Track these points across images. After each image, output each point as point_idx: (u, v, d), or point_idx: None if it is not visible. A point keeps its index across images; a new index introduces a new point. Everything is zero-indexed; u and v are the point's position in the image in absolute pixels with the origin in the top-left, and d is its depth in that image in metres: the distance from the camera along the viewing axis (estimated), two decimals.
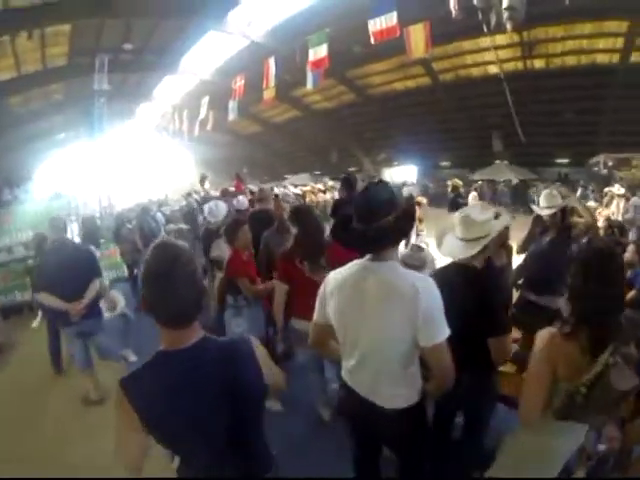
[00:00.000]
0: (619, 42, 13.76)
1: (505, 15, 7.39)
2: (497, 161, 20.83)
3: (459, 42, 15.03)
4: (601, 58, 14.83)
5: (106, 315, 3.48)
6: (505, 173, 20.14)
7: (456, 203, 6.67)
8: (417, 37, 8.37)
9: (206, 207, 4.28)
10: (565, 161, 20.17)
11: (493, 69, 17.13)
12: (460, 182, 7.66)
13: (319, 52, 8.62)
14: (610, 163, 16.11)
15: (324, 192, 11.35)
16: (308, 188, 12.53)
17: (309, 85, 10.92)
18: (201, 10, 10.79)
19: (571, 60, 15.34)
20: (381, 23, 7.65)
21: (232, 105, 14.09)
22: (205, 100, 14.31)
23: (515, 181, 19.68)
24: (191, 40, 13.46)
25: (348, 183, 4.09)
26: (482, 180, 20.61)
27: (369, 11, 7.85)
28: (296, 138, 26.13)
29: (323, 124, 23.50)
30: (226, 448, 1.07)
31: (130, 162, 22.69)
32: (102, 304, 3.48)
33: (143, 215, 5.68)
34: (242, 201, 5.11)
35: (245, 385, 1.06)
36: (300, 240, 2.58)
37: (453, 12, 7.82)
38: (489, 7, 7.79)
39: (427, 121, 20.57)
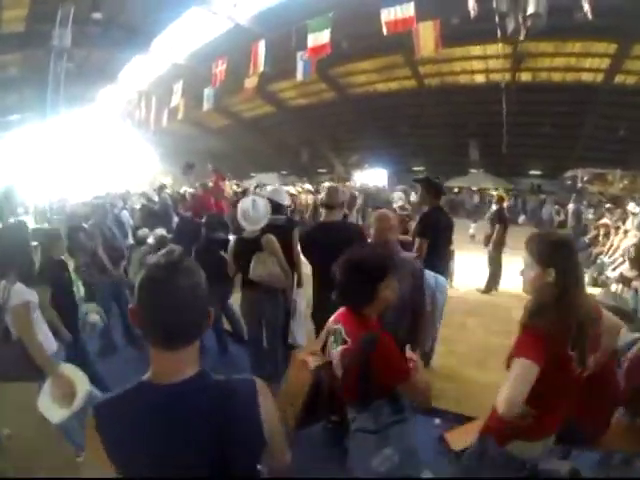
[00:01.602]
0: (605, 63, 14.14)
1: (528, 21, 7.21)
2: (472, 170, 20.96)
3: (451, 48, 14.68)
4: (586, 76, 15.21)
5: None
6: (481, 182, 20.24)
7: (502, 216, 6.03)
8: (427, 35, 7.98)
9: (239, 209, 2.96)
10: (538, 173, 20.73)
11: (479, 78, 17.20)
12: (505, 194, 7.01)
13: (320, 38, 7.76)
14: (585, 178, 16.52)
15: (313, 193, 10.32)
16: (299, 188, 11.48)
17: (299, 75, 10.03)
18: None
19: (557, 76, 15.59)
20: (396, 13, 7.13)
21: (208, 93, 12.80)
22: (179, 86, 12.79)
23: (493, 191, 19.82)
24: (169, 17, 11.93)
25: (433, 187, 3.29)
26: (460, 187, 20.79)
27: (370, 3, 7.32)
28: (265, 135, 24.93)
29: (296, 122, 22.53)
30: None
31: (87, 151, 20.17)
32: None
33: (103, 213, 4.35)
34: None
35: (237, 438, 0.90)
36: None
37: (472, 12, 7.40)
38: (510, 12, 7.49)
39: (405, 125, 20.34)
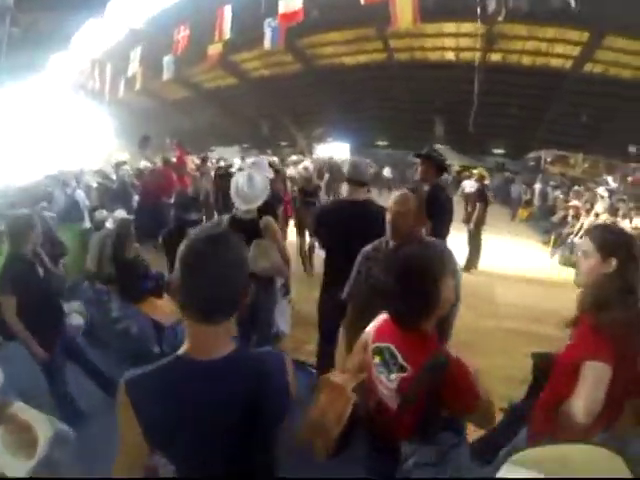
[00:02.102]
0: (576, 50, 14.43)
1: (510, 2, 6.93)
2: (438, 145, 21.11)
3: (423, 23, 14.44)
4: (555, 62, 15.49)
5: None
6: (448, 158, 20.46)
7: (483, 195, 6.03)
8: (404, 6, 7.72)
9: (233, 184, 2.58)
10: (502, 152, 21.25)
11: (449, 55, 17.12)
12: (485, 172, 6.94)
13: (292, 4, 7.23)
14: (549, 159, 17.11)
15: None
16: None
17: (266, 43, 9.42)
18: None
19: (527, 60, 15.75)
20: None
21: (168, 61, 11.84)
22: (136, 53, 11.72)
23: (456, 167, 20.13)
24: None
25: (437, 162, 2.99)
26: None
27: None
28: (225, 108, 23.82)
29: (258, 94, 21.67)
30: (232, 468, 0.94)
31: (36, 125, 18.25)
32: None
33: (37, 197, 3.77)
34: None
35: (269, 409, 0.92)
36: None
37: None
38: None
39: (370, 99, 20.06)
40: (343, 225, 2.24)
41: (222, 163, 8.25)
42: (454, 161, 19.95)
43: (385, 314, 1.31)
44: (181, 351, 0.91)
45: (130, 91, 14.31)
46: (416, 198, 1.88)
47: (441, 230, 2.89)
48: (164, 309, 3.08)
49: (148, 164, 6.77)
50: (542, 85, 16.25)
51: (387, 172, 17.82)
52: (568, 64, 15.29)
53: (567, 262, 6.44)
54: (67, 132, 20.50)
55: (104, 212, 4.19)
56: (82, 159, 14.59)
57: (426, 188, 2.90)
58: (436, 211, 2.86)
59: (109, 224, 3.70)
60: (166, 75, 11.96)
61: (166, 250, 3.13)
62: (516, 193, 11.83)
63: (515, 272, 6.09)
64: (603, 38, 13.32)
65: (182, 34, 9.65)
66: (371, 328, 1.36)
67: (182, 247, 0.89)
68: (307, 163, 5.41)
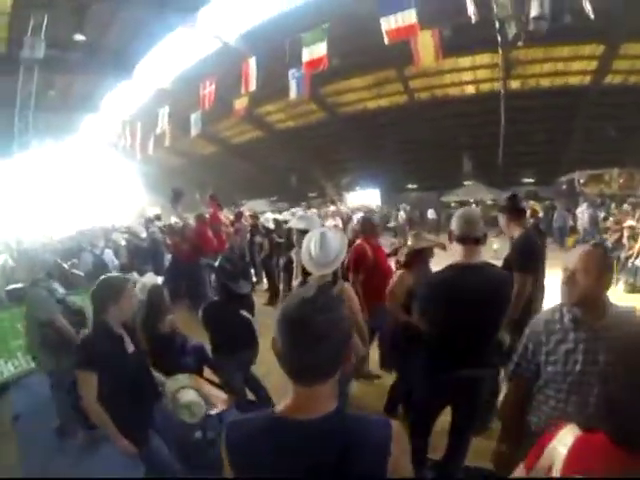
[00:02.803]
0: (592, 65, 14.16)
1: (531, 25, 7.06)
2: (467, 182, 20.67)
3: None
4: (573, 80, 15.21)
5: None
6: (477, 194, 19.90)
7: (539, 229, 5.47)
8: (426, 44, 7.71)
9: (305, 245, 2.25)
10: (531, 180, 20.57)
11: (469, 89, 17.14)
12: (538, 205, 6.44)
13: (316, 51, 7.31)
14: (582, 180, 16.36)
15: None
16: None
17: (292, 93, 9.55)
18: (169, 2, 8.91)
19: (545, 82, 15.59)
20: (397, 21, 6.78)
21: (196, 117, 12.20)
22: (164, 111, 12.21)
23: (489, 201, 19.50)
24: (154, 38, 11.38)
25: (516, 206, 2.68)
26: (455, 202, 20.32)
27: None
28: (253, 161, 24.47)
29: (284, 145, 22.15)
30: None
31: (71, 183, 19.20)
32: None
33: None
34: (268, 218, 3.37)
35: (361, 472, 0.87)
36: None
37: (473, 17, 7.23)
38: (509, 17, 7.31)
39: (395, 142, 20.03)
40: (465, 299, 1.72)
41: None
42: (484, 196, 19.57)
43: (575, 430, 0.94)
44: (279, 408, 0.92)
45: (160, 147, 14.84)
46: (603, 254, 1.41)
47: (539, 280, 2.43)
48: (205, 390, 2.62)
49: (179, 221, 6.58)
50: (564, 105, 15.93)
51: (431, 214, 17.24)
52: (587, 80, 15.00)
53: (633, 289, 6.13)
54: (100, 190, 21.56)
55: (134, 274, 3.89)
56: (115, 215, 15.07)
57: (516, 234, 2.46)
58: (534, 261, 2.40)
59: (138, 290, 3.36)
60: (194, 131, 12.26)
61: (207, 326, 2.65)
62: (560, 221, 11.00)
63: None
64: (618, 47, 13.02)
65: (208, 89, 9.94)
66: (556, 445, 0.95)
67: (279, 314, 0.91)
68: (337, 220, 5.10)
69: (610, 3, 9.88)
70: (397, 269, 2.74)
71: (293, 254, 3.07)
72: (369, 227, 3.40)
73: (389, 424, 0.93)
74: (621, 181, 15.54)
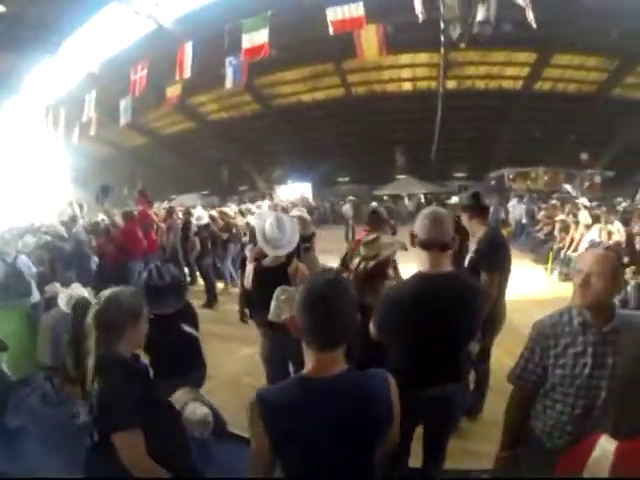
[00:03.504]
0: (525, 71, 15.42)
1: (476, 28, 7.15)
2: (400, 176, 21.36)
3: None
4: (506, 84, 16.51)
5: None
6: (410, 187, 20.60)
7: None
8: (370, 38, 7.71)
9: (259, 228, 2.34)
10: (463, 175, 21.83)
11: (406, 86, 17.74)
12: None
13: (257, 38, 6.98)
14: (511, 176, 17.79)
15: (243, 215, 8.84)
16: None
17: (228, 82, 9.09)
18: None
19: (480, 83, 16.62)
20: (344, 13, 6.83)
21: (125, 104, 11.11)
22: (91, 96, 10.96)
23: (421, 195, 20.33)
24: (83, 13, 10.09)
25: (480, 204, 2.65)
26: (387, 195, 20.79)
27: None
28: (183, 153, 23.37)
29: (216, 138, 21.43)
30: (338, 476, 1.09)
31: None
32: None
33: None
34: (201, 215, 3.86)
35: (376, 424, 1.10)
36: None
37: (420, 16, 7.19)
38: (455, 18, 7.46)
39: (329, 135, 20.28)
40: (437, 314, 1.54)
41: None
42: (417, 189, 20.41)
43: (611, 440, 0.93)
44: (303, 372, 1.10)
45: (85, 137, 13.43)
46: (617, 258, 1.41)
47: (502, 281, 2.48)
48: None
49: (106, 218, 5.90)
50: (496, 107, 17.20)
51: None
52: (519, 84, 16.33)
53: (567, 278, 6.34)
54: (16, 183, 18.81)
55: (57, 286, 3.39)
56: (31, 213, 13.21)
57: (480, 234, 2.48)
58: (501, 260, 2.44)
59: (62, 303, 2.92)
60: (123, 120, 11.18)
61: (145, 349, 2.22)
62: (495, 215, 11.79)
63: (523, 296, 5.34)
64: (549, 57, 14.30)
65: (140, 74, 9.09)
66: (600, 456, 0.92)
67: (303, 291, 1.08)
68: (301, 209, 4.97)
69: (545, 15, 10.78)
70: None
71: (247, 251, 2.97)
72: (376, 219, 3.20)
73: (386, 375, 1.16)
74: (546, 178, 17.12)
